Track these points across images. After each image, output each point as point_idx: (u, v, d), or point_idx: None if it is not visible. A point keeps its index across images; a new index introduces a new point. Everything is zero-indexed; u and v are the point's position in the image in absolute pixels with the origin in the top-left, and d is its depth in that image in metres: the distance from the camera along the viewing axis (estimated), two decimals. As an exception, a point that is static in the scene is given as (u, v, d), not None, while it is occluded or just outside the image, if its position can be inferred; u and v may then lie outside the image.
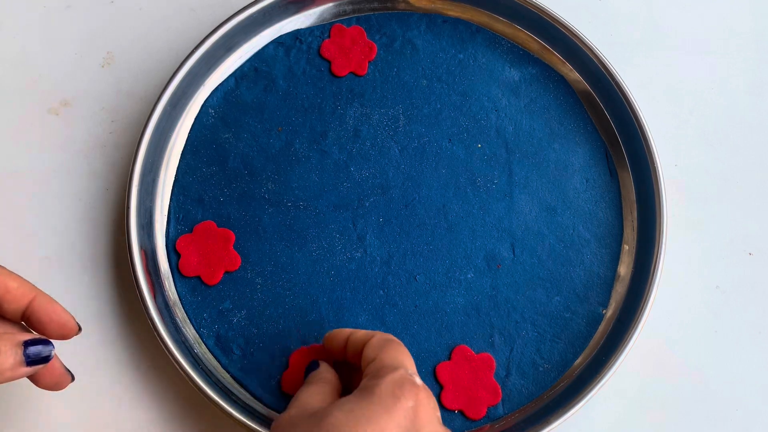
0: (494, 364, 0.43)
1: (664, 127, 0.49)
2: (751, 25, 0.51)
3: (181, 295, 0.44)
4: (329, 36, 0.50)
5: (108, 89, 0.49)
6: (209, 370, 0.43)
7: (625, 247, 0.45)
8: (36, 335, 0.35)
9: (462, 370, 0.43)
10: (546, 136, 0.48)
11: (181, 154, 0.47)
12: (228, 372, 0.43)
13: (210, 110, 0.48)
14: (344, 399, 0.34)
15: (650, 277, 0.43)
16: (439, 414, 0.35)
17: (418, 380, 0.34)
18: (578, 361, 0.44)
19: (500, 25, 0.50)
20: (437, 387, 0.43)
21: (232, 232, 0.45)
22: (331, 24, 0.50)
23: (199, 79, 0.48)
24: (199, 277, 0.45)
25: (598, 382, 0.41)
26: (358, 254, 0.45)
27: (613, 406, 0.44)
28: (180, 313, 0.44)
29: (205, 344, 0.44)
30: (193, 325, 0.44)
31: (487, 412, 0.42)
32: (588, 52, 0.47)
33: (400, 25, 0.50)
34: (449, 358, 0.43)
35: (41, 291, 0.36)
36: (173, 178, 0.47)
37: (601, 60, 0.47)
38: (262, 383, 0.43)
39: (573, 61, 0.48)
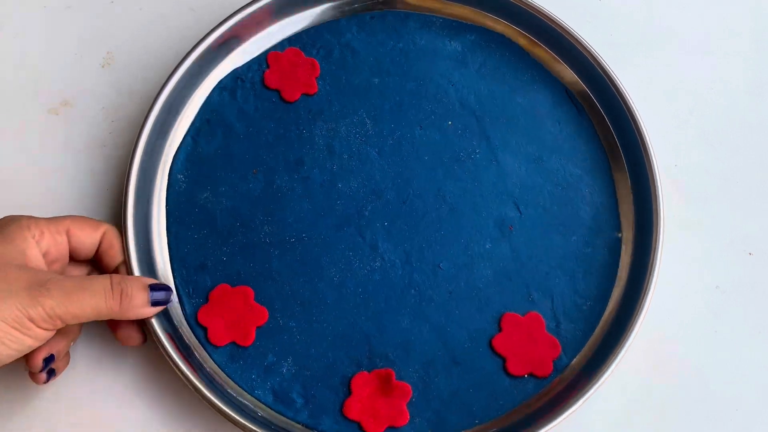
0: (542, 319, 0.44)
1: (664, 128, 0.48)
2: (751, 25, 0.52)
3: (222, 366, 0.43)
4: (268, 66, 0.49)
5: (108, 89, 0.49)
6: (209, 373, 0.42)
7: (624, 246, 0.46)
8: (160, 281, 0.41)
9: (516, 336, 0.44)
10: (506, 93, 0.49)
11: (167, 228, 0.46)
12: (298, 422, 0.42)
13: (179, 176, 0.47)
14: None
15: (648, 276, 0.43)
16: None
17: None
18: (575, 363, 0.43)
19: (498, 24, 0.50)
20: (500, 360, 0.43)
21: (248, 287, 0.44)
22: (266, 53, 0.49)
23: (206, 69, 0.47)
24: (233, 343, 0.43)
25: (597, 381, 0.41)
26: (377, 264, 0.45)
27: (613, 406, 0.44)
28: (227, 381, 0.43)
29: (265, 404, 0.42)
30: (246, 391, 0.42)
31: (553, 366, 0.43)
32: (585, 53, 0.47)
33: (332, 34, 0.50)
34: (500, 330, 0.44)
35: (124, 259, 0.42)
36: (168, 254, 0.45)
37: (598, 60, 0.47)
38: (335, 419, 0.42)
39: (570, 61, 0.49)
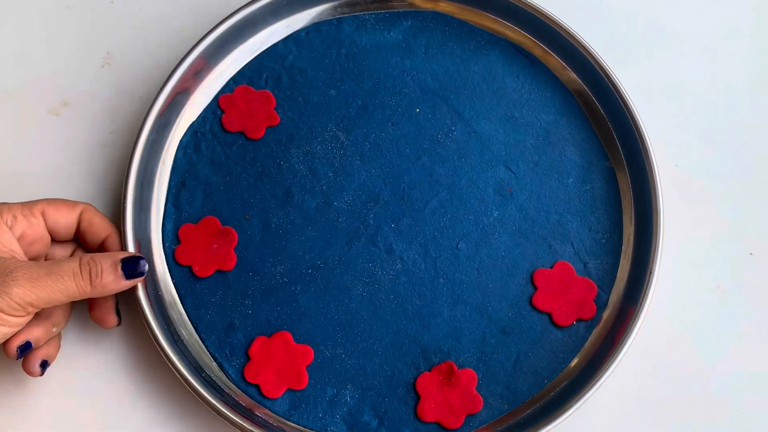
0: (570, 265, 0.45)
1: (664, 128, 0.48)
2: (751, 25, 0.51)
3: (286, 416, 0.42)
4: (222, 111, 0.48)
5: (108, 89, 0.49)
6: (209, 374, 0.42)
7: (624, 247, 0.46)
8: (130, 253, 0.41)
9: (552, 289, 0.44)
10: (460, 65, 0.49)
11: (180, 300, 0.44)
12: None
13: (173, 248, 0.45)
14: None
15: (648, 276, 0.43)
16: None
17: None
18: (575, 363, 0.43)
19: (497, 25, 0.49)
20: (546, 316, 0.44)
21: (284, 331, 0.43)
22: (216, 99, 0.48)
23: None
24: (289, 390, 0.42)
25: (597, 381, 0.41)
26: (399, 265, 0.45)
27: (613, 406, 0.43)
28: (295, 428, 0.42)
29: None
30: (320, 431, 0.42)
31: (596, 305, 0.44)
32: (584, 53, 0.47)
33: (274, 60, 0.49)
34: (536, 288, 0.45)
35: (116, 230, 0.43)
36: (192, 332, 0.44)
37: (598, 60, 0.47)
38: (414, 427, 0.42)
39: (569, 61, 0.48)
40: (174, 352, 0.41)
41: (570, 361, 0.43)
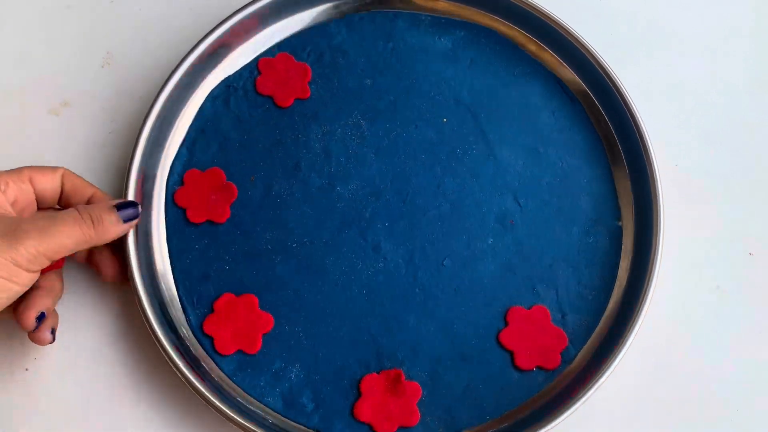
0: (548, 311, 0.44)
1: (664, 128, 0.48)
2: (751, 25, 0.51)
3: (230, 375, 0.43)
4: (259, 72, 0.49)
5: (108, 89, 0.49)
6: (208, 372, 0.42)
7: (625, 241, 0.46)
8: (122, 200, 0.42)
9: (523, 330, 0.44)
10: (499, 87, 0.49)
11: (167, 239, 0.45)
12: (309, 427, 0.42)
13: (175, 188, 0.46)
14: None
15: (648, 276, 0.43)
16: None
17: None
18: (575, 363, 0.43)
19: (497, 24, 0.50)
20: (508, 354, 0.43)
21: (252, 294, 0.44)
22: (257, 60, 0.49)
23: (197, 80, 0.47)
24: (240, 351, 0.43)
25: (597, 381, 0.41)
26: (381, 264, 0.45)
27: (613, 405, 0.44)
28: (236, 389, 0.43)
29: (275, 411, 0.42)
30: (256, 399, 0.42)
31: (561, 358, 0.43)
32: (585, 52, 0.47)
33: (322, 38, 0.50)
34: (506, 324, 0.44)
35: (98, 188, 0.43)
36: (170, 267, 0.45)
37: (598, 60, 0.47)
38: (347, 422, 0.42)
39: (570, 61, 0.48)
40: (172, 346, 0.42)
41: (517, 405, 0.43)
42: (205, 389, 0.41)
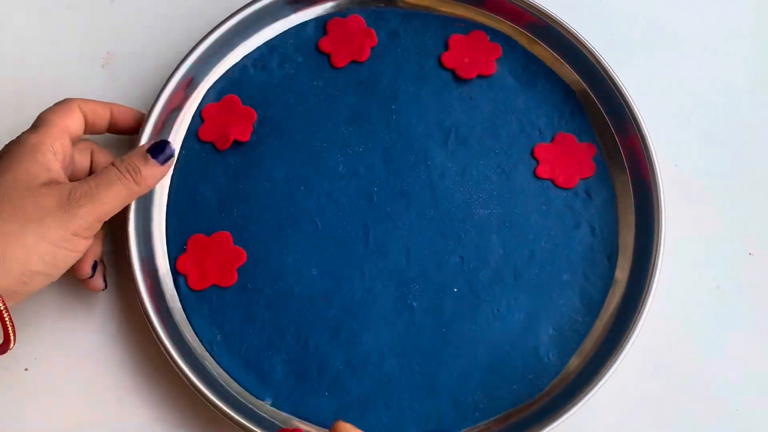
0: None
1: (664, 128, 0.49)
2: (751, 25, 0.52)
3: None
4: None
5: (108, 89, 0.49)
6: (209, 372, 0.43)
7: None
8: (153, 141, 0.43)
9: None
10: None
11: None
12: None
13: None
14: None
15: (648, 277, 0.43)
16: None
17: None
18: (575, 363, 0.44)
19: (498, 24, 0.49)
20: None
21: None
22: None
23: (197, 80, 0.48)
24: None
25: (598, 382, 0.41)
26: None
27: (613, 406, 0.44)
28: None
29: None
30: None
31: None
32: (585, 52, 0.47)
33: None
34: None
35: (114, 104, 0.45)
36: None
37: (599, 60, 0.47)
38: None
39: (571, 61, 0.48)
40: (175, 347, 0.43)
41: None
42: (206, 388, 0.41)
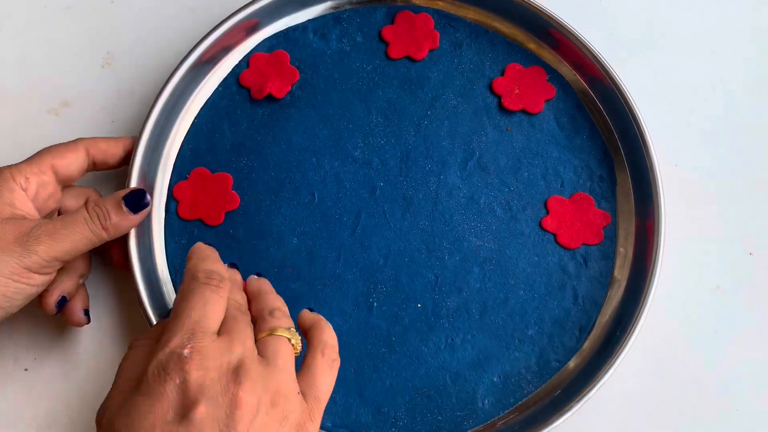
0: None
1: (664, 128, 0.48)
2: (751, 25, 0.51)
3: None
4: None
5: (108, 89, 0.50)
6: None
7: (621, 250, 0.46)
8: (130, 189, 0.42)
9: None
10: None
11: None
12: None
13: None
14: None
15: (648, 277, 0.43)
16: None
17: (186, 351, 0.32)
18: (575, 363, 0.44)
19: (498, 23, 0.49)
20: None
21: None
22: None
23: (198, 79, 0.48)
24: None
25: (598, 381, 0.41)
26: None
27: (613, 406, 0.44)
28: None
29: None
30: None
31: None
32: (586, 52, 0.47)
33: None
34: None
35: (128, 138, 0.44)
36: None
37: (599, 60, 0.46)
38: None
39: (571, 61, 0.48)
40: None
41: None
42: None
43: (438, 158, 0.47)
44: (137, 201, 0.41)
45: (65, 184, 0.43)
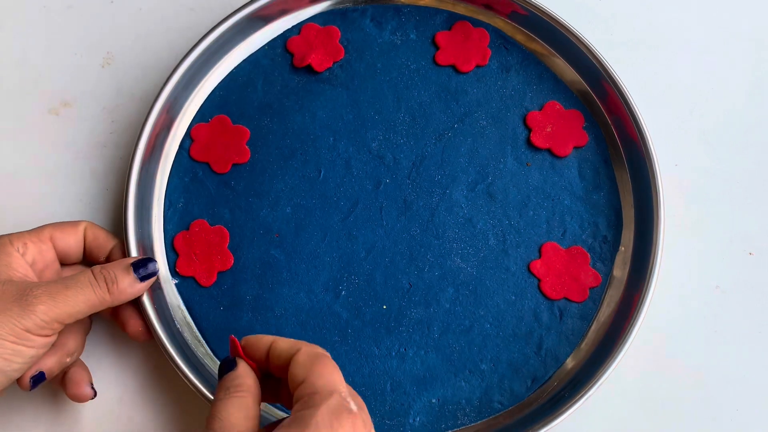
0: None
1: (664, 127, 0.49)
2: (751, 25, 0.51)
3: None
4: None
5: (108, 89, 0.50)
6: (208, 371, 0.43)
7: (622, 248, 0.45)
8: (139, 257, 0.42)
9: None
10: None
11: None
12: None
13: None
14: None
15: (648, 276, 0.43)
16: None
17: (353, 405, 0.32)
18: (573, 363, 0.44)
19: (499, 23, 0.49)
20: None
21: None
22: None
23: (198, 78, 0.48)
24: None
25: (596, 381, 0.41)
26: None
27: (613, 405, 0.44)
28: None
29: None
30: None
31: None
32: (586, 52, 0.47)
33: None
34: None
35: (119, 241, 0.44)
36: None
37: (599, 59, 0.46)
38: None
39: (571, 61, 0.48)
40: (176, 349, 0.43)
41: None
42: (206, 389, 0.41)
43: (450, 172, 0.47)
44: (145, 268, 0.41)
45: (64, 260, 0.42)
